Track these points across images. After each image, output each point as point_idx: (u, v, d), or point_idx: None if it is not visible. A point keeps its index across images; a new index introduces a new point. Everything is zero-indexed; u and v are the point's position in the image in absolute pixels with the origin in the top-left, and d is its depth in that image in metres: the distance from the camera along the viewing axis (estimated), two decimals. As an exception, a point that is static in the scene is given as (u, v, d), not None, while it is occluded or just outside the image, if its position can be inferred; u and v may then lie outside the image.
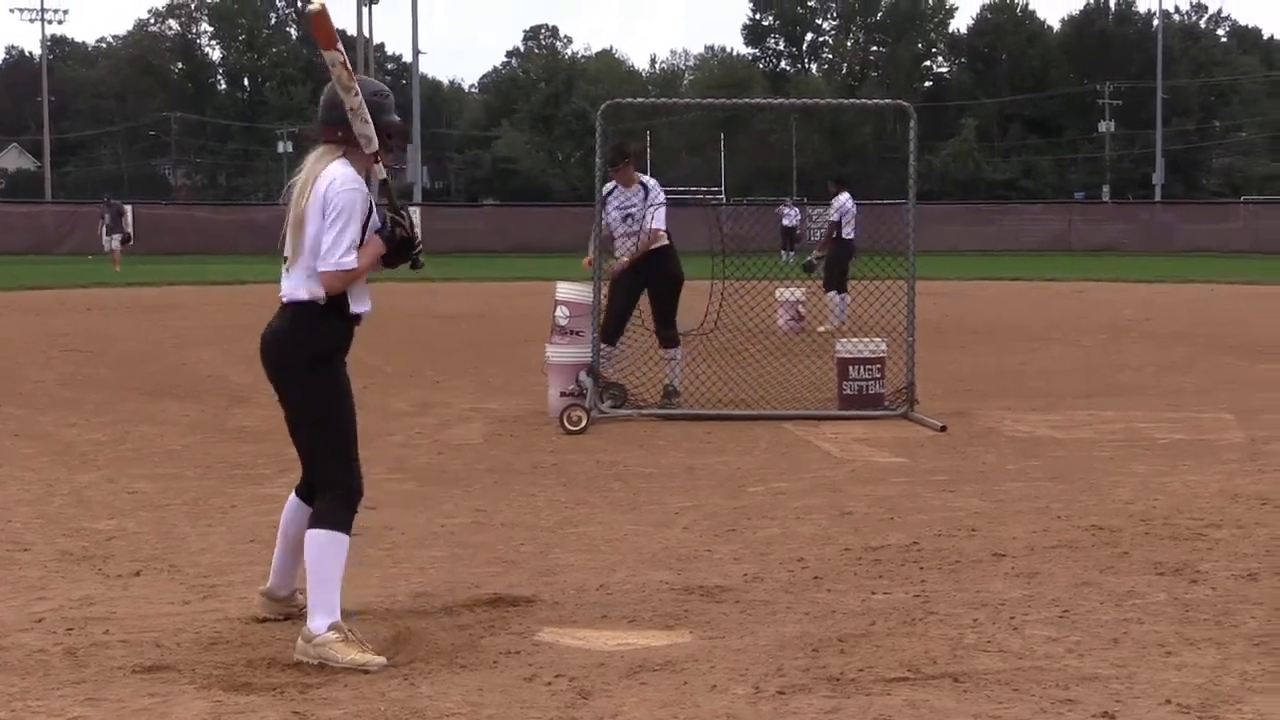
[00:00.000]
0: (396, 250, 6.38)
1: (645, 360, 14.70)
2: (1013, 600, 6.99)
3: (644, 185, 14.60)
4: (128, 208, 57.65)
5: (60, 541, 8.55)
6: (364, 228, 6.28)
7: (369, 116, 6.35)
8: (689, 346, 14.76)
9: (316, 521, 6.28)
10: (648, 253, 14.41)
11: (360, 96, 6.35)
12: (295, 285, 6.34)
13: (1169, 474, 10.61)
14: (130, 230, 51.83)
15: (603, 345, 14.16)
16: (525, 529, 8.87)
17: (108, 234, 52.33)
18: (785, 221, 55.36)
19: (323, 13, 6.40)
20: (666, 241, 14.57)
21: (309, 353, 6.36)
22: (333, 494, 6.33)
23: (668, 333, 14.56)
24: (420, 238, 6.52)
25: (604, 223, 14.48)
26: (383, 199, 6.54)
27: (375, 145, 6.38)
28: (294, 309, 6.37)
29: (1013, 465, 11.15)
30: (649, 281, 14.52)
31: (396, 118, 6.62)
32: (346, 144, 6.40)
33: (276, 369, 6.48)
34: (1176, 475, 10.56)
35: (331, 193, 6.23)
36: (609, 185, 14.58)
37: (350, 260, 6.19)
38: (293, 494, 6.71)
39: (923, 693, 5.62)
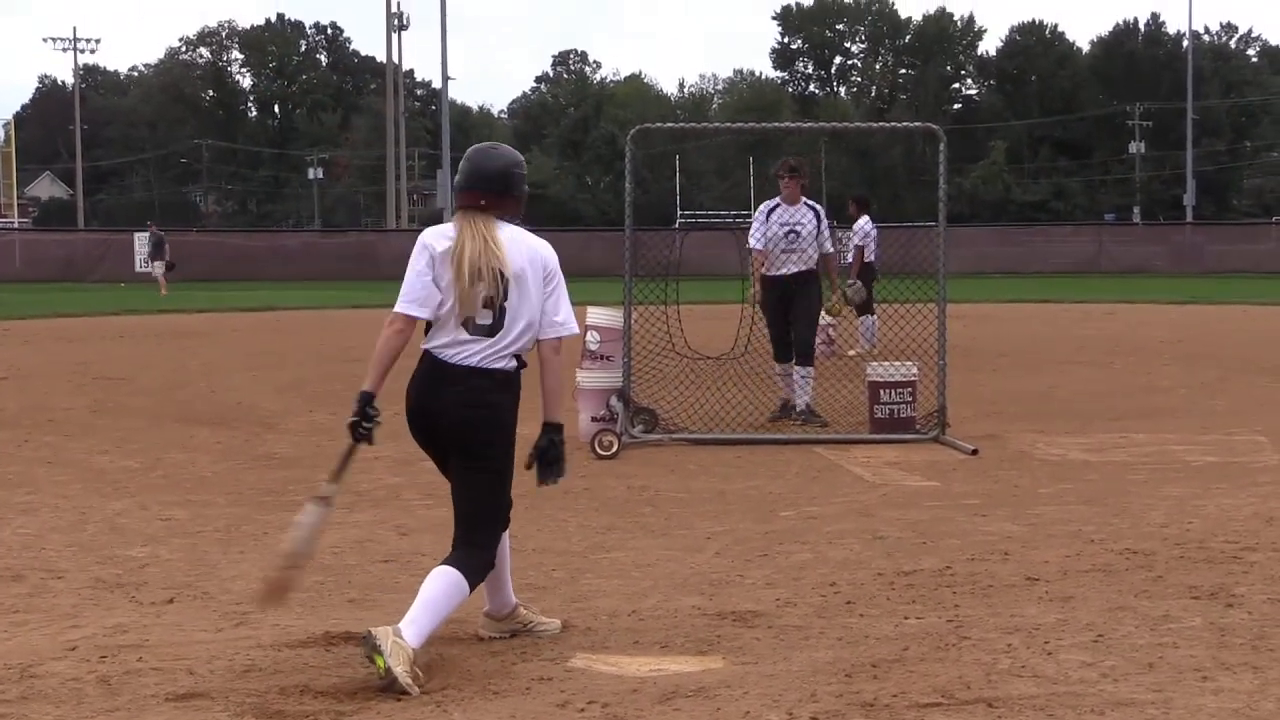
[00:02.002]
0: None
1: (678, 384, 14.69)
2: (1047, 625, 6.96)
3: (812, 207, 15.15)
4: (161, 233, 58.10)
5: (93, 569, 8.57)
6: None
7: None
8: (719, 371, 14.74)
9: (455, 564, 6.39)
10: (799, 274, 14.94)
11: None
12: (494, 346, 6.46)
13: (1203, 497, 10.56)
14: (169, 258, 52.50)
15: (777, 366, 15.09)
16: (556, 554, 8.86)
17: (151, 260, 52.96)
18: None
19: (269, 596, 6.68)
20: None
21: (510, 422, 6.55)
22: (478, 552, 6.49)
23: (804, 353, 14.98)
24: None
25: (765, 237, 14.96)
26: None
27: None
28: (497, 374, 6.47)
29: (1045, 489, 11.11)
30: (792, 301, 14.93)
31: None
32: (496, 209, 6.57)
33: (478, 433, 6.50)
34: (1210, 498, 10.51)
35: (541, 259, 6.56)
36: (772, 202, 15.17)
37: (574, 329, 6.69)
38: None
39: (957, 718, 5.59)
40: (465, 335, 6.42)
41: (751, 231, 15.10)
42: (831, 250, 15.24)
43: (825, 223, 15.08)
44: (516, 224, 6.58)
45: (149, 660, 6.53)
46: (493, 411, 6.46)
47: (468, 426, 6.45)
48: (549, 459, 6.64)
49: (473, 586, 6.40)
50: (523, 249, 6.48)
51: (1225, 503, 10.32)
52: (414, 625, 6.16)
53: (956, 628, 6.94)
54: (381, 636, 6.06)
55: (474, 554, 6.45)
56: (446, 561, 6.39)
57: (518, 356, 6.50)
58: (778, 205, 15.08)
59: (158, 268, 52.14)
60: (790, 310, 14.90)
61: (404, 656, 6.01)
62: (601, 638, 6.92)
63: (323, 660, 6.48)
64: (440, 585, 6.29)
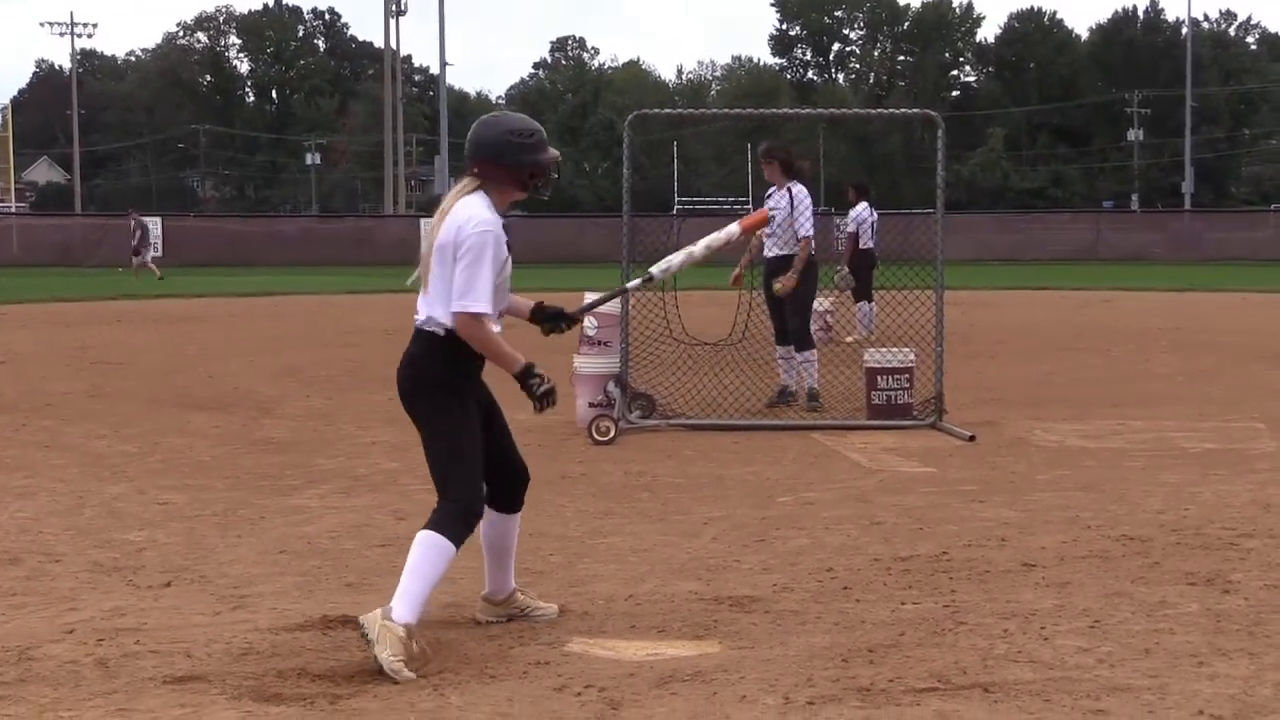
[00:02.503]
0: (536, 396, 6.55)
1: (675, 369, 14.70)
2: (1043, 610, 6.97)
3: (790, 191, 14.94)
4: (148, 220, 58.18)
5: (91, 553, 8.58)
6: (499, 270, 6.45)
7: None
8: (717, 357, 14.74)
9: (434, 524, 6.33)
10: (782, 258, 14.88)
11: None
12: (425, 313, 6.49)
13: (1200, 483, 10.57)
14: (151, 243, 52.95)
15: (777, 348, 15.20)
16: (554, 539, 8.86)
17: (140, 250, 52.93)
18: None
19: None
20: (812, 250, 15.03)
21: (432, 381, 6.48)
22: (449, 505, 6.40)
23: (800, 338, 14.98)
24: (551, 384, 6.61)
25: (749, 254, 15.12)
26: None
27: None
28: (424, 337, 6.50)
29: (1042, 475, 11.12)
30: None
31: (545, 154, 6.65)
32: (484, 179, 6.53)
33: (404, 394, 6.57)
34: (1208, 485, 10.52)
35: (463, 235, 6.36)
36: (769, 191, 15.25)
37: (479, 306, 6.33)
38: (487, 507, 6.77)
39: (953, 703, 5.60)
40: (419, 299, 6.53)
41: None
42: (808, 234, 14.81)
43: (801, 205, 14.85)
44: (475, 188, 6.54)
45: (146, 643, 6.54)
46: (413, 370, 6.52)
47: (400, 383, 6.56)
48: (530, 397, 6.55)
49: (455, 540, 6.32)
50: (451, 222, 6.42)
51: (1222, 489, 10.33)
52: (404, 598, 6.16)
53: (953, 613, 6.95)
54: (369, 624, 6.08)
55: (444, 508, 6.39)
56: (426, 524, 6.37)
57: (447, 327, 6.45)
58: (771, 191, 15.15)
59: (146, 255, 52.22)
60: (774, 295, 14.92)
61: (391, 640, 6.01)
62: (599, 622, 6.93)
63: (320, 644, 6.49)
64: (419, 552, 6.27)
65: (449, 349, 6.43)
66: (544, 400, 6.53)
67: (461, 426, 6.48)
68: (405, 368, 6.55)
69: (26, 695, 5.82)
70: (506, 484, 6.79)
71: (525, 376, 6.49)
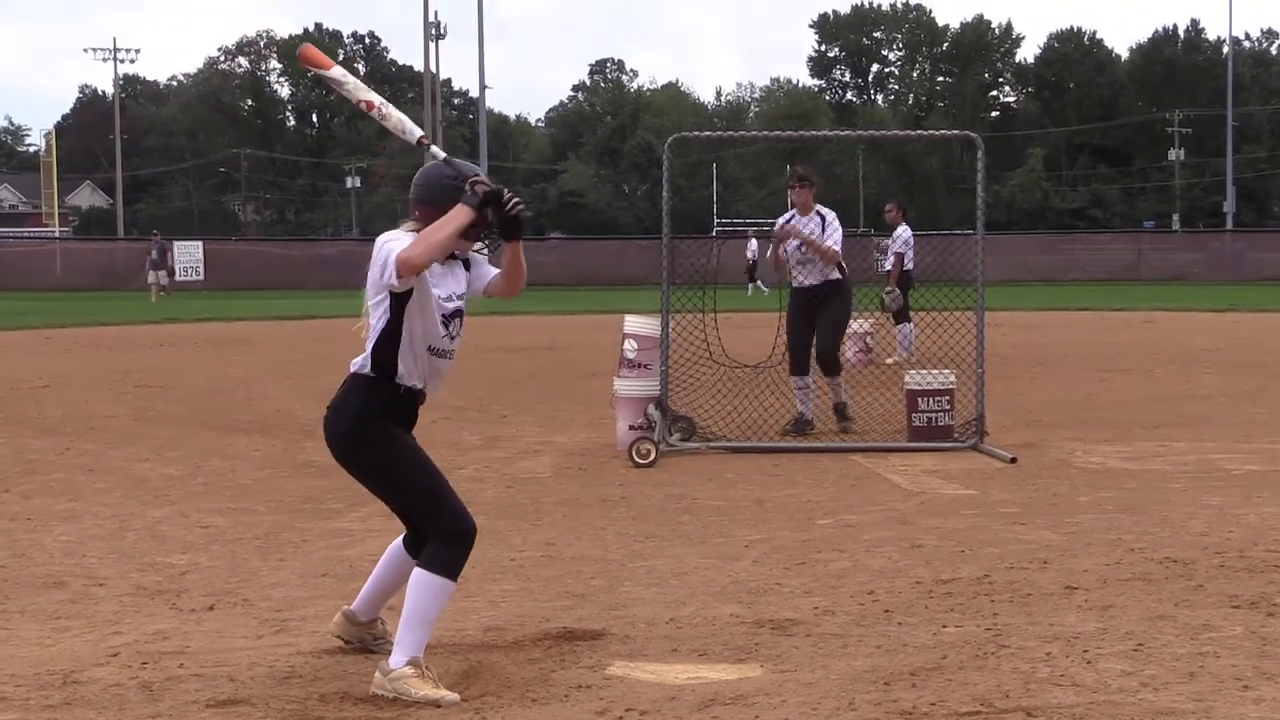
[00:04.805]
0: (481, 206, 6.04)
1: (716, 392, 14.69)
2: (1086, 633, 6.94)
3: (821, 214, 14.99)
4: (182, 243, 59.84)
5: (134, 576, 8.62)
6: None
7: (391, 112, 6.50)
8: (757, 379, 14.71)
9: (426, 564, 6.21)
10: (817, 288, 14.87)
11: (373, 96, 6.60)
12: (358, 356, 6.34)
13: (1243, 505, 10.51)
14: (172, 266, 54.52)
15: (793, 379, 14.87)
16: (594, 562, 8.87)
17: (155, 268, 54.26)
18: (748, 254, 54.71)
19: (305, 48, 6.64)
20: (844, 271, 15.07)
21: (356, 427, 6.33)
22: (439, 541, 6.26)
23: (827, 363, 14.95)
24: (509, 194, 6.10)
25: (782, 251, 15.02)
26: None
27: (413, 135, 6.48)
28: (347, 380, 6.39)
29: (1084, 497, 11.07)
30: (816, 311, 14.86)
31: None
32: (424, 224, 6.18)
33: (330, 446, 6.46)
34: (1251, 507, 10.46)
35: (377, 244, 6.12)
36: (789, 214, 15.14)
37: (405, 250, 5.94)
38: (399, 538, 6.72)
39: (996, 727, 5.58)
40: None
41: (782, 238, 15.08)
42: (838, 248, 14.93)
43: (831, 226, 14.90)
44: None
45: (190, 667, 6.56)
46: (339, 417, 6.41)
47: (327, 435, 6.49)
48: (508, 217, 6.09)
49: (450, 575, 6.18)
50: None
51: (1266, 511, 10.27)
52: (400, 648, 6.09)
53: (995, 636, 6.93)
54: (383, 687, 6.05)
55: (434, 544, 6.25)
56: (420, 563, 6.24)
57: (378, 363, 6.26)
58: (793, 217, 15.09)
59: (161, 276, 53.31)
60: (813, 320, 14.88)
61: (411, 681, 6.00)
62: (640, 645, 6.92)
63: (362, 667, 6.50)
64: (415, 593, 6.14)
65: (375, 389, 6.29)
66: (517, 209, 6.07)
67: (407, 462, 6.32)
68: (328, 417, 6.41)
69: (71, 719, 5.84)
70: (423, 535, 6.48)
71: (486, 203, 6.05)
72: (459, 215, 6.02)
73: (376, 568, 6.79)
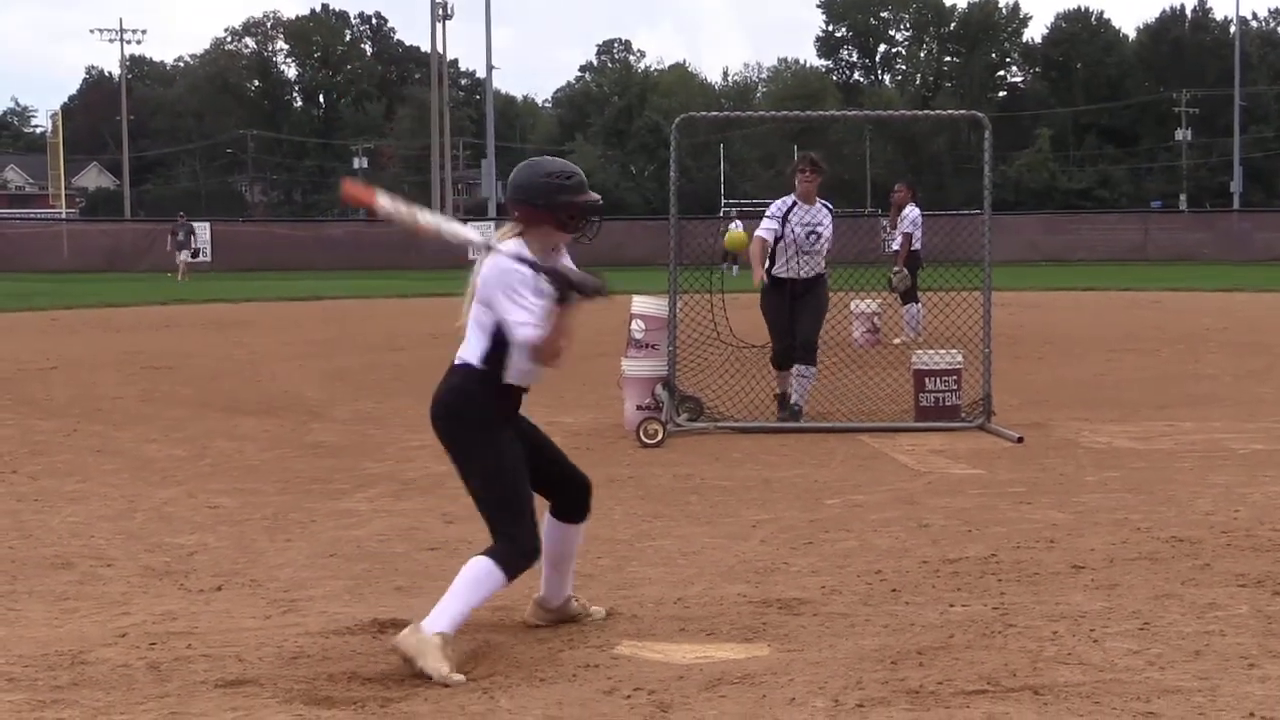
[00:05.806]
0: (563, 288, 6.30)
1: (723, 372, 14.68)
2: (1093, 612, 6.94)
3: (827, 207, 14.51)
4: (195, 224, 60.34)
5: (142, 557, 8.64)
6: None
7: (445, 225, 6.59)
8: (764, 359, 14.66)
9: (489, 553, 6.32)
10: (813, 278, 14.36)
11: (423, 218, 6.51)
12: (462, 349, 6.52)
13: (1249, 485, 10.52)
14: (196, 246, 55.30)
15: (776, 372, 14.37)
16: (602, 542, 8.87)
17: (180, 249, 55.00)
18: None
19: (345, 187, 6.55)
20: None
21: (467, 418, 6.47)
22: (507, 544, 6.36)
23: (808, 352, 14.28)
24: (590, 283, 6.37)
25: (787, 237, 14.17)
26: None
27: (478, 242, 6.55)
28: (459, 372, 6.50)
29: (1091, 476, 11.08)
30: (798, 301, 14.26)
31: (582, 198, 6.51)
32: (524, 222, 6.44)
33: (441, 428, 6.55)
34: (1257, 486, 10.46)
35: (489, 277, 6.34)
36: (788, 200, 14.37)
37: (525, 332, 6.26)
38: (548, 514, 6.81)
39: (1002, 705, 5.59)
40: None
41: (765, 224, 14.38)
42: (829, 241, 14.45)
43: (830, 219, 14.46)
44: (515, 233, 6.45)
45: (198, 647, 6.58)
46: (449, 405, 6.50)
47: (435, 417, 6.55)
48: (599, 293, 6.39)
49: (509, 574, 6.31)
50: (486, 264, 6.39)
51: (1272, 490, 10.28)
52: (442, 614, 6.17)
53: (1002, 615, 6.94)
54: (407, 641, 6.11)
55: (502, 545, 6.36)
56: (482, 552, 6.37)
57: (489, 362, 6.44)
58: (795, 204, 14.31)
59: (185, 255, 54.13)
60: (796, 311, 14.24)
61: (431, 650, 6.04)
62: (648, 625, 6.94)
63: (370, 647, 6.52)
64: (469, 573, 6.28)
65: (485, 384, 6.44)
66: (601, 287, 6.35)
67: (504, 465, 6.45)
68: (440, 402, 6.53)
69: (79, 699, 5.86)
70: (571, 496, 6.86)
71: (580, 292, 6.31)
72: (569, 317, 6.36)
73: (544, 550, 6.72)
